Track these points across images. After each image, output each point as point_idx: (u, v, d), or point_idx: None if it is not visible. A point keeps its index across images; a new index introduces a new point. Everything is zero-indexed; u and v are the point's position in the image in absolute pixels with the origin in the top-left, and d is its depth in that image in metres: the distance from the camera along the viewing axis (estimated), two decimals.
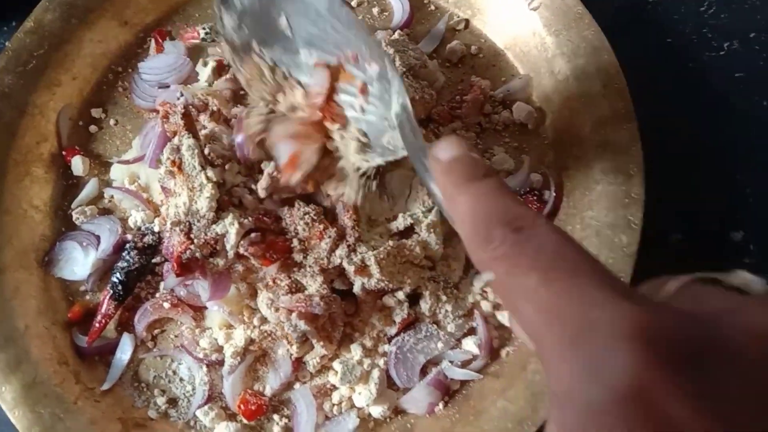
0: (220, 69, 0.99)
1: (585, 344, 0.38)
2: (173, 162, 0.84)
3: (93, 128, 1.02)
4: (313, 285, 0.81)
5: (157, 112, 0.94)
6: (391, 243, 0.81)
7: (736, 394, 0.37)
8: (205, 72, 1.00)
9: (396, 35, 0.97)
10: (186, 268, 0.82)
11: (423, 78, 0.94)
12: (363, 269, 0.79)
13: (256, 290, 0.86)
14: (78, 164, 0.98)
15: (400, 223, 0.82)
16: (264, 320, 0.86)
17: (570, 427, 0.39)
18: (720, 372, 0.37)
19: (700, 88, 1.01)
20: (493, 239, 0.44)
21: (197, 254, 0.81)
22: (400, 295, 0.83)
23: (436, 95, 0.95)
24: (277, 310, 0.82)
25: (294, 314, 0.80)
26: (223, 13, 0.79)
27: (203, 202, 0.81)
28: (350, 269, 0.80)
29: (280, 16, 0.76)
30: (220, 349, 0.87)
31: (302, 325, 0.80)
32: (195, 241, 0.80)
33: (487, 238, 0.45)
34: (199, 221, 0.81)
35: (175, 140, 0.86)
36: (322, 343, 0.82)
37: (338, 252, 0.80)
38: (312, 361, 0.85)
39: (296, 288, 0.82)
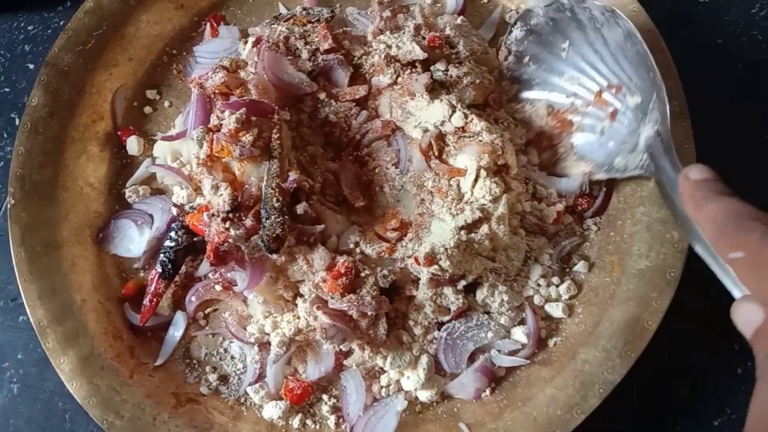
0: (257, 43, 0.99)
1: None
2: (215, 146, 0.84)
3: (148, 109, 1.04)
4: (366, 285, 0.82)
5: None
6: (461, 235, 0.82)
7: None
8: (246, 49, 1.01)
9: (459, 20, 0.98)
10: (221, 259, 0.82)
11: (483, 64, 0.95)
12: (431, 260, 0.80)
13: (294, 284, 0.87)
14: (133, 144, 1.00)
15: (468, 216, 0.83)
16: None
17: None
18: None
19: (750, 89, 1.02)
20: (744, 227, 0.56)
21: (239, 243, 0.81)
22: (461, 284, 0.85)
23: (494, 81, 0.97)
24: (315, 318, 0.83)
25: (328, 317, 0.81)
26: (517, 26, 0.97)
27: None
28: (411, 260, 0.82)
29: (564, 41, 0.93)
30: (267, 335, 0.89)
31: (343, 328, 0.81)
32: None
33: (739, 226, 0.56)
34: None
35: (213, 119, 0.87)
36: (363, 348, 0.84)
37: (405, 244, 0.82)
38: (353, 364, 0.86)
39: (351, 287, 0.82)
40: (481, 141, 0.83)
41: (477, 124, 0.83)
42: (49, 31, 1.14)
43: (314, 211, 0.86)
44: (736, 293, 0.63)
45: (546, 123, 0.94)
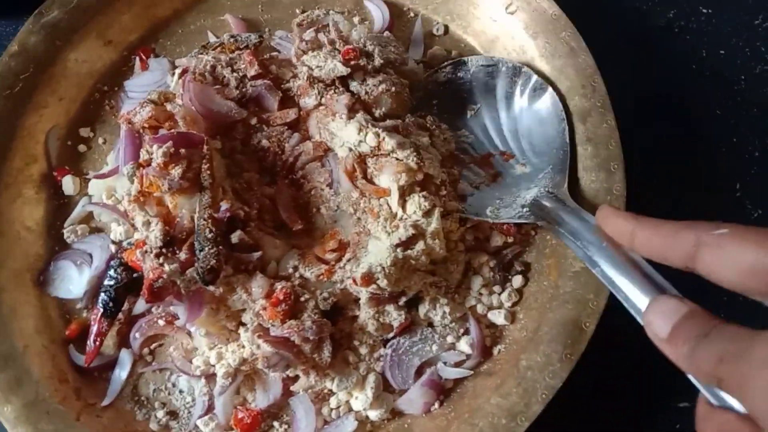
0: (183, 74, 0.99)
1: None
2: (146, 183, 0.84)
3: (82, 147, 1.03)
4: (307, 309, 0.82)
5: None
6: (398, 253, 0.82)
7: None
8: (173, 81, 1.00)
9: (375, 32, 1.00)
10: (157, 295, 0.82)
11: (405, 76, 0.95)
12: (369, 279, 0.80)
13: (236, 313, 0.87)
14: (69, 184, 1.00)
15: (402, 233, 0.83)
16: None
17: None
18: None
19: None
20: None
21: (174, 278, 0.81)
22: (401, 300, 0.85)
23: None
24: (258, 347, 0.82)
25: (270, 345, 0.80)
26: (445, 70, 1.00)
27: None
28: (350, 281, 0.82)
29: (476, 104, 0.98)
30: (213, 366, 0.88)
31: (286, 355, 0.81)
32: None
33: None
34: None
35: (143, 154, 0.87)
36: (308, 372, 0.84)
37: (343, 265, 0.82)
38: (300, 389, 0.86)
39: (291, 313, 0.82)
40: (396, 159, 0.84)
41: (389, 142, 0.83)
42: None
43: (251, 237, 0.86)
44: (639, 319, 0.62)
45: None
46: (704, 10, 1.09)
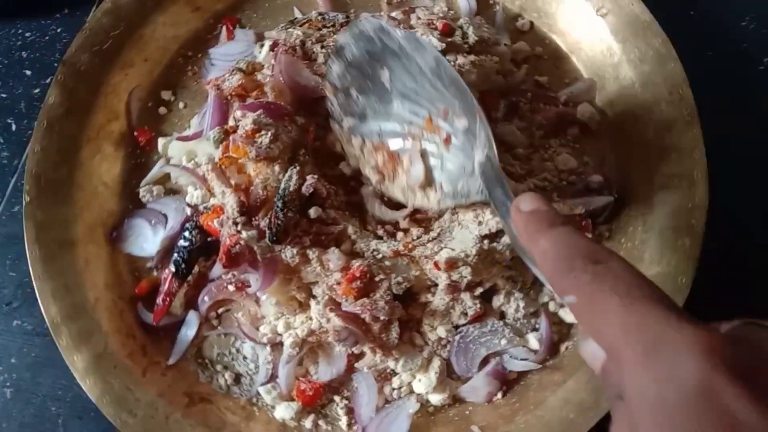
0: (274, 47, 0.99)
1: (661, 354, 0.46)
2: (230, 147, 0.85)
3: (162, 110, 1.05)
4: (380, 289, 0.83)
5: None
6: (483, 244, 0.83)
7: None
8: (262, 52, 1.01)
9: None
10: (233, 261, 0.83)
11: (494, 53, 0.96)
12: (452, 265, 0.81)
13: (307, 286, 0.87)
14: (162, 146, 1.01)
15: (492, 225, 0.83)
16: None
17: (643, 424, 0.46)
18: None
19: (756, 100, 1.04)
20: (575, 269, 0.53)
21: (251, 243, 0.82)
22: (478, 291, 0.85)
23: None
24: (328, 320, 0.83)
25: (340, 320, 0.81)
26: (334, 61, 0.90)
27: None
28: (431, 264, 0.82)
29: (383, 70, 0.87)
30: (280, 335, 0.89)
31: (355, 330, 0.82)
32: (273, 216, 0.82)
33: (570, 268, 0.53)
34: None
35: (231, 120, 0.88)
36: (375, 351, 0.84)
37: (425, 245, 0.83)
38: (364, 367, 0.87)
39: (365, 291, 0.82)
40: None
41: None
42: (47, 38, 1.16)
43: (328, 216, 0.87)
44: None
45: (376, 159, 0.91)
46: None
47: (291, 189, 0.83)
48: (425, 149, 0.87)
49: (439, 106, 0.84)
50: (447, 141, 0.84)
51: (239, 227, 0.83)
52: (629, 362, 0.47)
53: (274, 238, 0.82)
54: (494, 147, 0.76)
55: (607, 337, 0.50)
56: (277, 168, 0.86)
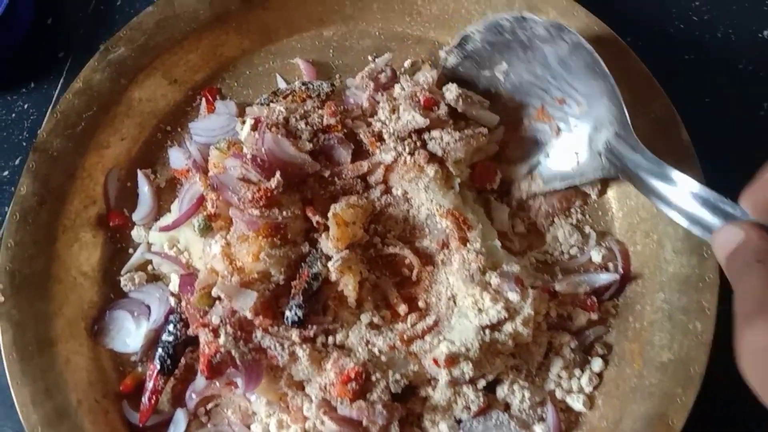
0: (256, 126, 0.95)
1: None
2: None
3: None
4: (377, 389, 0.79)
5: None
6: (485, 335, 0.79)
7: None
8: (244, 130, 0.97)
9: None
10: (216, 371, 0.79)
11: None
12: (453, 361, 0.77)
13: (299, 382, 0.83)
14: (139, 234, 0.97)
15: (494, 315, 0.79)
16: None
17: None
18: None
19: None
20: None
21: (230, 348, 0.78)
22: (481, 383, 0.81)
23: None
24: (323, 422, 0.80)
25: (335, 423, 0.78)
26: (453, 52, 0.95)
27: None
28: (430, 360, 0.78)
29: (501, 63, 0.93)
30: None
31: None
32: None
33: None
34: None
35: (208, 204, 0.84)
36: None
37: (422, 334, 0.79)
38: None
39: (361, 392, 0.78)
40: None
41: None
42: (13, 115, 1.09)
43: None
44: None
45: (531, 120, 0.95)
46: None
47: (321, 273, 0.81)
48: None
49: (556, 95, 0.90)
50: (557, 130, 0.91)
51: (214, 334, 0.79)
52: None
53: (297, 323, 0.79)
54: (628, 122, 0.81)
55: None
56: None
